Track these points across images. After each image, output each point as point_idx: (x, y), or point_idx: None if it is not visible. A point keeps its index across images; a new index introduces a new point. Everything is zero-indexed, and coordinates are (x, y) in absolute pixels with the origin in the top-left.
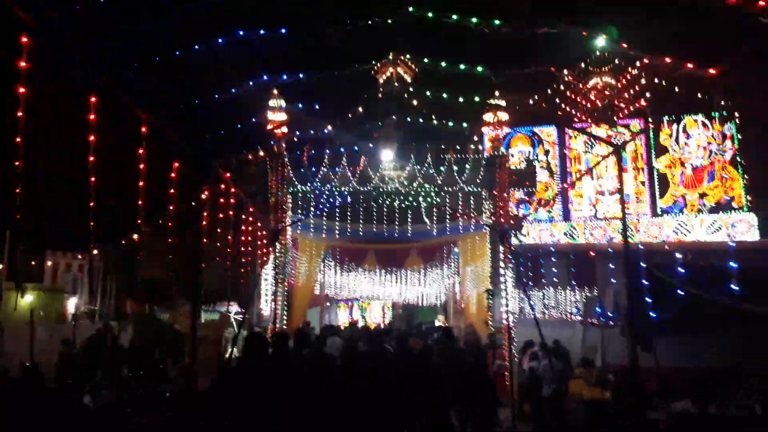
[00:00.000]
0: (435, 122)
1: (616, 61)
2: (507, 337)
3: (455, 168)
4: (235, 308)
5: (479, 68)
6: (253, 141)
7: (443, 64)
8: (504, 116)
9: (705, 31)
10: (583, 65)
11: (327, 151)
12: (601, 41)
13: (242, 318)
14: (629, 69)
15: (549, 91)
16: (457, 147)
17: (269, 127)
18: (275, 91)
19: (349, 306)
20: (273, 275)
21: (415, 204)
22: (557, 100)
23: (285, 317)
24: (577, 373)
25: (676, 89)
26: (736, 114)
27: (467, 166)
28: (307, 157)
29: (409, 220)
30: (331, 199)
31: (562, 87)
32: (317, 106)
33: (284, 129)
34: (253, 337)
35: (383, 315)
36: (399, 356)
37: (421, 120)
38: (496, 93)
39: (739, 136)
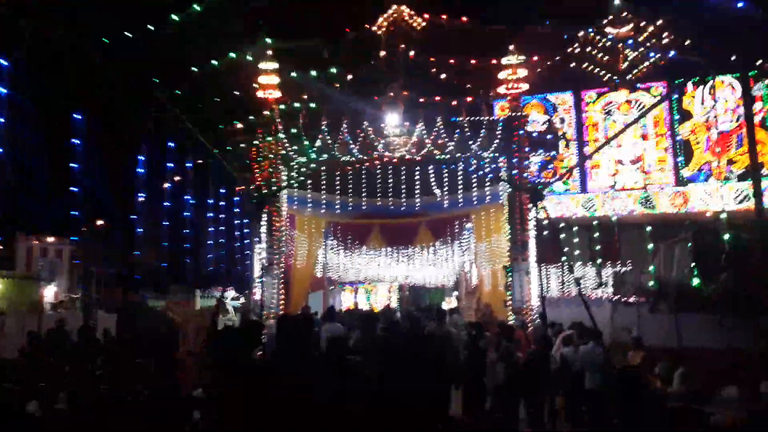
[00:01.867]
0: (444, 82)
1: (634, 20)
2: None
3: (468, 132)
4: (232, 293)
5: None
6: (243, 107)
7: (449, 18)
8: (522, 72)
9: None
10: (600, 24)
11: (325, 115)
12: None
13: (240, 303)
14: (649, 27)
15: (565, 52)
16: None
17: (260, 93)
18: (269, 52)
19: (354, 289)
20: (266, 256)
21: (424, 173)
22: (573, 63)
23: (282, 302)
24: (630, 358)
25: (702, 48)
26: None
27: (482, 130)
28: (303, 123)
29: (417, 191)
30: (330, 171)
31: (578, 48)
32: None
33: (277, 93)
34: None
35: (389, 298)
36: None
37: (429, 81)
38: (511, 47)
39: None
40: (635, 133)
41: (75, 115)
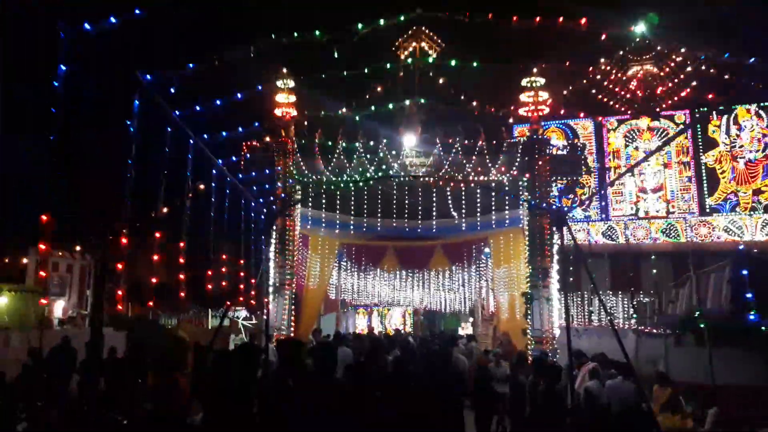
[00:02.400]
0: (463, 103)
1: (658, 48)
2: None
3: (487, 155)
4: (244, 313)
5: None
6: (259, 125)
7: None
8: (543, 95)
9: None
10: (622, 54)
11: (341, 135)
12: (641, 28)
13: (251, 324)
14: (673, 56)
15: (585, 81)
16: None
17: (277, 110)
18: (284, 70)
19: (368, 312)
20: (276, 274)
21: (441, 195)
22: (594, 91)
23: (292, 323)
24: (655, 394)
25: (726, 77)
26: None
27: (501, 153)
28: (319, 142)
29: (434, 214)
30: (345, 191)
31: (599, 76)
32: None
33: (293, 111)
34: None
35: (404, 322)
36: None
37: (447, 102)
38: (534, 70)
39: None
40: (657, 161)
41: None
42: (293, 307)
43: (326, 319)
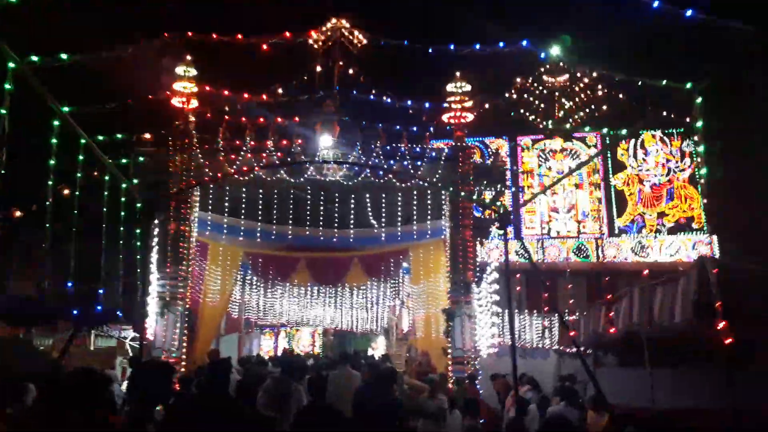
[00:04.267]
0: (386, 104)
1: (572, 71)
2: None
3: (408, 161)
4: (131, 333)
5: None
6: (154, 117)
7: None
8: (467, 103)
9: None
10: (537, 74)
11: (248, 130)
12: (555, 50)
13: (139, 345)
14: (585, 80)
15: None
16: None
17: (175, 100)
18: (188, 57)
19: (275, 333)
20: (167, 286)
21: (359, 203)
22: (512, 112)
23: (184, 344)
24: (590, 421)
25: (634, 103)
26: (694, 131)
27: (424, 159)
28: (223, 139)
29: (351, 222)
30: (251, 194)
31: (515, 96)
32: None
33: (194, 102)
34: None
35: (313, 342)
36: None
37: (369, 101)
38: (457, 74)
39: (698, 154)
40: (570, 181)
41: None
42: (186, 325)
43: (227, 341)
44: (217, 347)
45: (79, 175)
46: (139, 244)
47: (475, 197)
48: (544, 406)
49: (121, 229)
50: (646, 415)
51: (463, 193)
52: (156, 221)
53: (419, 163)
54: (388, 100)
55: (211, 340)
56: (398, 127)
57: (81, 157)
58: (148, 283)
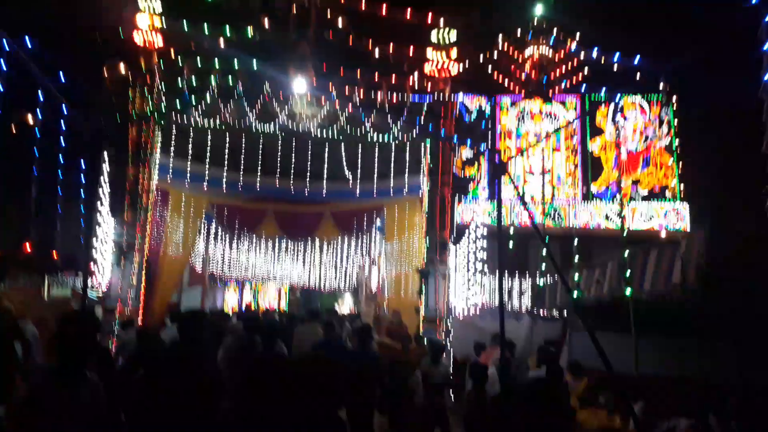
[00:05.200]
0: (365, 50)
1: (554, 32)
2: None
3: (389, 112)
4: (91, 281)
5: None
6: (112, 49)
7: None
8: (453, 53)
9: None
10: (519, 34)
11: (215, 72)
12: (539, 9)
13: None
14: (567, 41)
15: (483, 58)
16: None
17: (137, 36)
18: None
19: (239, 287)
20: (125, 234)
21: (333, 155)
22: (490, 68)
23: (141, 296)
24: (571, 386)
25: (615, 67)
26: (674, 98)
27: (404, 112)
28: (187, 78)
29: (324, 175)
30: (218, 140)
31: (496, 55)
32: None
33: (157, 40)
34: None
35: (278, 298)
36: None
37: (347, 47)
38: (441, 24)
39: (676, 122)
40: (547, 144)
41: None
42: (144, 276)
43: (190, 294)
44: (178, 300)
45: None
46: (83, 180)
47: (455, 155)
48: (523, 371)
49: (60, 161)
50: (624, 381)
51: (442, 149)
52: (105, 155)
53: (399, 116)
54: (368, 47)
55: (172, 293)
56: (377, 75)
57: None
58: (95, 225)
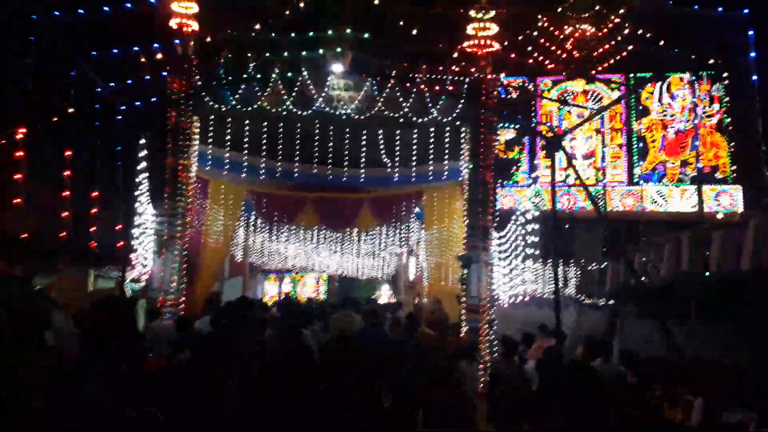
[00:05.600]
0: (403, 29)
1: (597, 8)
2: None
3: (427, 93)
4: (134, 273)
5: None
6: (149, 38)
7: None
8: (494, 28)
9: None
10: (560, 10)
11: (252, 58)
12: None
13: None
14: (611, 17)
15: (520, 38)
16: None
17: (174, 21)
18: None
19: (279, 278)
20: (160, 222)
21: (371, 139)
22: (529, 48)
23: (183, 285)
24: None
25: (662, 42)
26: (725, 74)
27: (445, 91)
28: (225, 64)
29: (362, 161)
30: (255, 127)
31: (535, 33)
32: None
33: (194, 25)
34: None
35: (317, 289)
36: None
37: (384, 26)
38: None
39: (728, 100)
40: (590, 127)
41: None
42: (185, 266)
43: (231, 284)
44: (220, 290)
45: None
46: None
47: (498, 136)
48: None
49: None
50: (682, 370)
51: (483, 131)
52: (143, 143)
53: (438, 97)
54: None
55: (213, 283)
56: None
57: None
58: (134, 215)
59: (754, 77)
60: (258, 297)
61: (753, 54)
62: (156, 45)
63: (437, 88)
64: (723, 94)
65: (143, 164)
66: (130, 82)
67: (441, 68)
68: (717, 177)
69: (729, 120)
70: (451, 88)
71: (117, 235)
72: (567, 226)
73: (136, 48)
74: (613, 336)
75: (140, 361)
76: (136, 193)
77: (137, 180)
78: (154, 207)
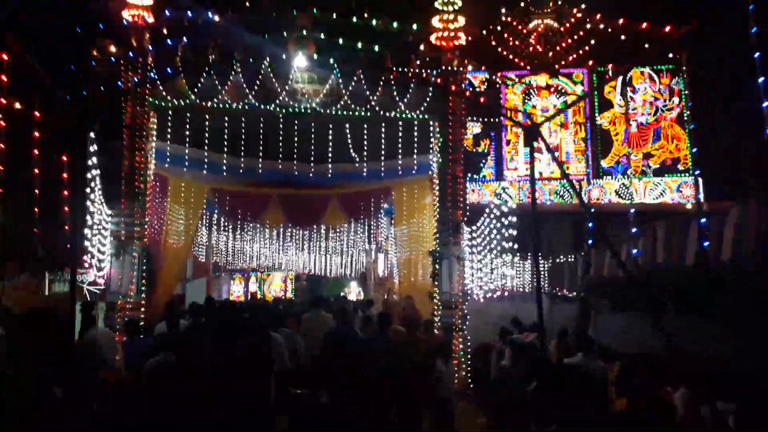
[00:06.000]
0: (369, 22)
1: (559, 2)
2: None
3: (394, 86)
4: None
5: None
6: (101, 28)
7: None
8: (461, 20)
9: None
10: (523, 5)
11: (211, 50)
12: None
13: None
14: (573, 12)
15: (484, 32)
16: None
17: (126, 13)
18: None
19: (245, 278)
20: (116, 223)
21: (338, 134)
22: (493, 43)
23: (142, 288)
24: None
25: (623, 37)
26: (684, 68)
27: (412, 83)
28: (182, 57)
29: (329, 156)
30: (216, 123)
31: (499, 28)
32: None
33: (148, 17)
34: None
35: (284, 288)
36: None
37: (350, 18)
38: None
39: (687, 93)
40: (555, 121)
41: None
42: (144, 268)
43: (194, 286)
44: (182, 292)
45: None
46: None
47: (467, 129)
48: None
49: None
50: (659, 362)
51: (451, 124)
52: (92, 136)
53: (405, 91)
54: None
55: (175, 285)
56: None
57: None
58: (85, 213)
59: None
60: (223, 297)
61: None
62: (104, 30)
63: (405, 78)
64: (682, 87)
65: (94, 160)
66: (73, 68)
67: (408, 59)
68: (679, 168)
69: (689, 113)
70: (418, 79)
71: (65, 236)
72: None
73: (81, 33)
74: (587, 328)
75: (73, 383)
76: (87, 191)
77: (88, 177)
78: (109, 206)
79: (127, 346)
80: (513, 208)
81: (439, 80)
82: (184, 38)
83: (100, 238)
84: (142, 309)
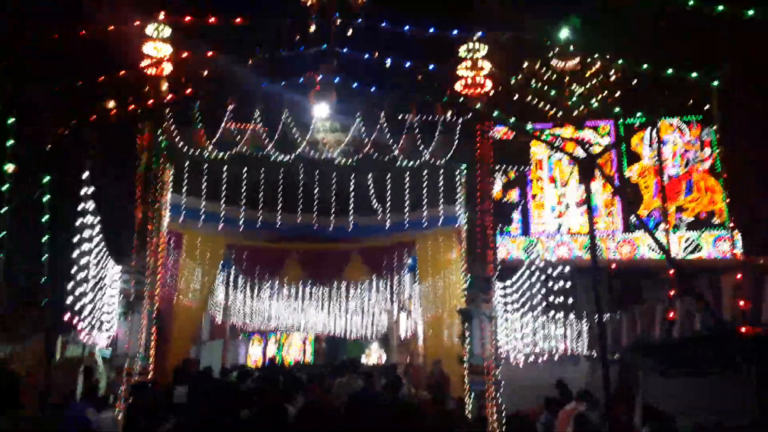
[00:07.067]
0: (389, 70)
1: (581, 55)
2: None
3: (419, 134)
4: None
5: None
6: (121, 83)
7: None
8: (486, 66)
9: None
10: (544, 59)
11: (230, 99)
12: (564, 33)
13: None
14: (596, 64)
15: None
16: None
17: (144, 63)
18: (161, 15)
19: (263, 339)
20: (126, 280)
21: (360, 185)
22: (517, 95)
23: (151, 351)
24: None
25: (647, 88)
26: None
27: (436, 133)
28: (200, 108)
29: (350, 208)
30: (233, 176)
31: (522, 79)
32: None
33: (167, 66)
34: None
35: (303, 350)
36: None
37: (371, 66)
38: (475, 37)
39: (719, 143)
40: (580, 173)
41: None
42: (155, 328)
43: (210, 348)
44: (197, 356)
45: None
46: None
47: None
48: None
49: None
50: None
51: (479, 173)
52: (86, 178)
53: (430, 139)
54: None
55: (189, 347)
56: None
57: None
58: (79, 265)
59: None
60: (240, 362)
61: None
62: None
63: (430, 125)
64: (713, 138)
65: (91, 205)
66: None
67: (433, 107)
68: (714, 222)
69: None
70: (444, 126)
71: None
72: (566, 274)
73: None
74: (635, 394)
75: None
76: (91, 247)
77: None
78: (119, 262)
79: None
80: (552, 262)
81: (465, 127)
82: (203, 88)
83: (108, 297)
84: (150, 374)
